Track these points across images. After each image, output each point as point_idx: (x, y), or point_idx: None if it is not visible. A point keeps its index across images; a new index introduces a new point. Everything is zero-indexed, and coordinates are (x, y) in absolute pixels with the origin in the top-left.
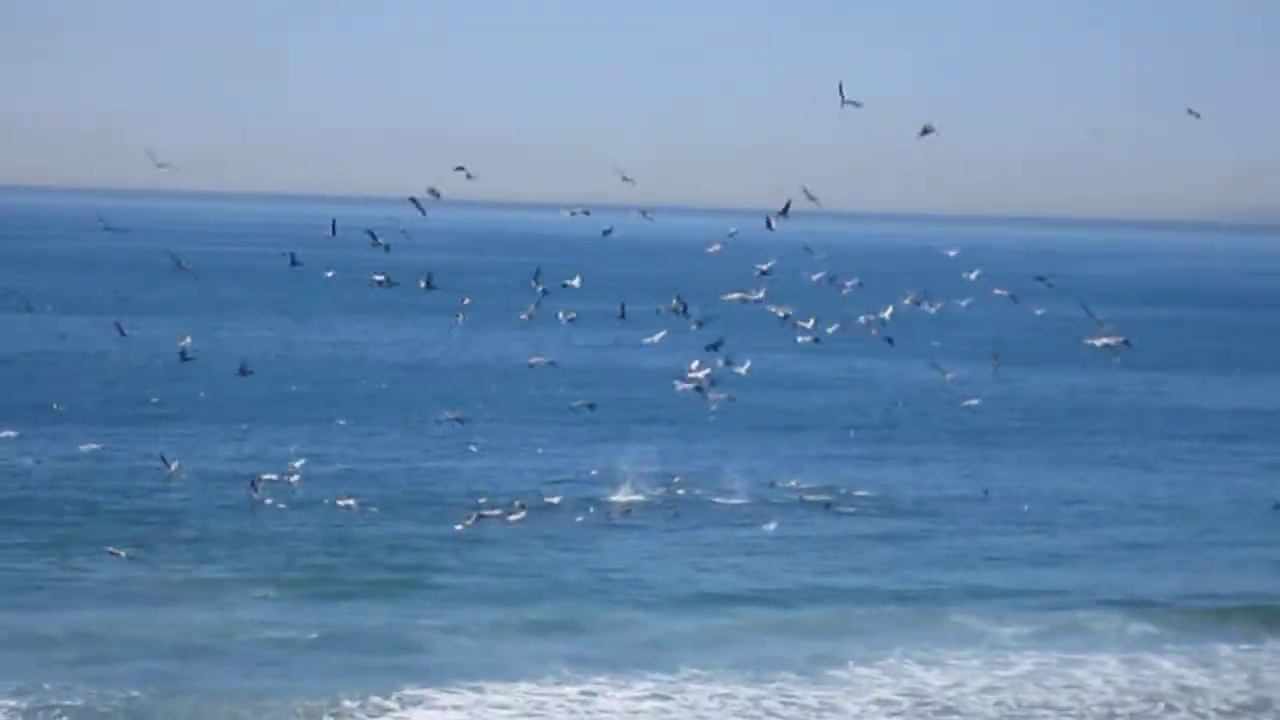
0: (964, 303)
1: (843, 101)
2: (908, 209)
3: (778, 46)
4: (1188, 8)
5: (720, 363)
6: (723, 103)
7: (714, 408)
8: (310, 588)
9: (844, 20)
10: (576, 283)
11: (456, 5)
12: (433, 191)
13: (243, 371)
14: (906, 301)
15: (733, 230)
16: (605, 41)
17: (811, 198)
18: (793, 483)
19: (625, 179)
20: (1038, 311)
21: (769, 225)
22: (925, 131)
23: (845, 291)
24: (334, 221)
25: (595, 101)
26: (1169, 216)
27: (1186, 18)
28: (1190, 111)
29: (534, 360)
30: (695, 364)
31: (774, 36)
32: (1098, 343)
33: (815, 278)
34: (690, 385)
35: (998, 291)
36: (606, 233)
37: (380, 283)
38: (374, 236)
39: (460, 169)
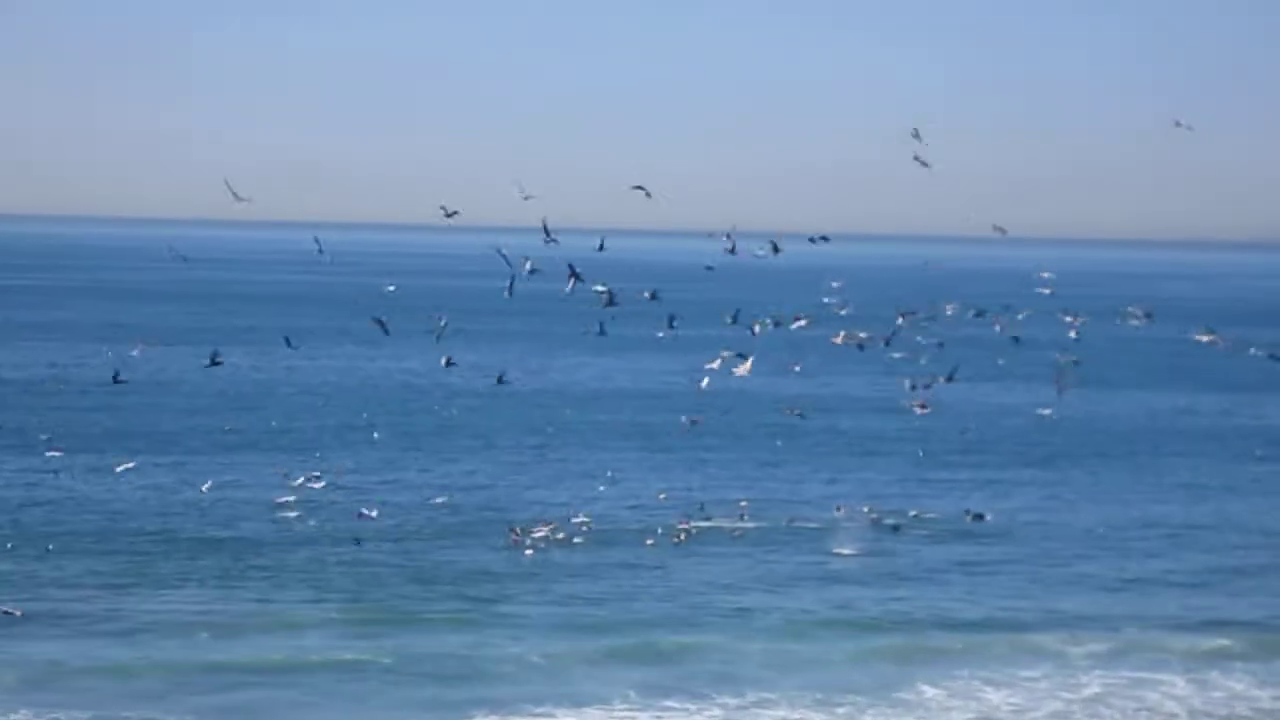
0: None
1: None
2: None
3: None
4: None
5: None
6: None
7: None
8: (384, 615)
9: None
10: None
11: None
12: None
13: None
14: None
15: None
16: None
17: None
18: (864, 507)
19: (526, 197)
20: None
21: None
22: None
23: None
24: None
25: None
26: (1172, 235)
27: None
28: (1178, 124)
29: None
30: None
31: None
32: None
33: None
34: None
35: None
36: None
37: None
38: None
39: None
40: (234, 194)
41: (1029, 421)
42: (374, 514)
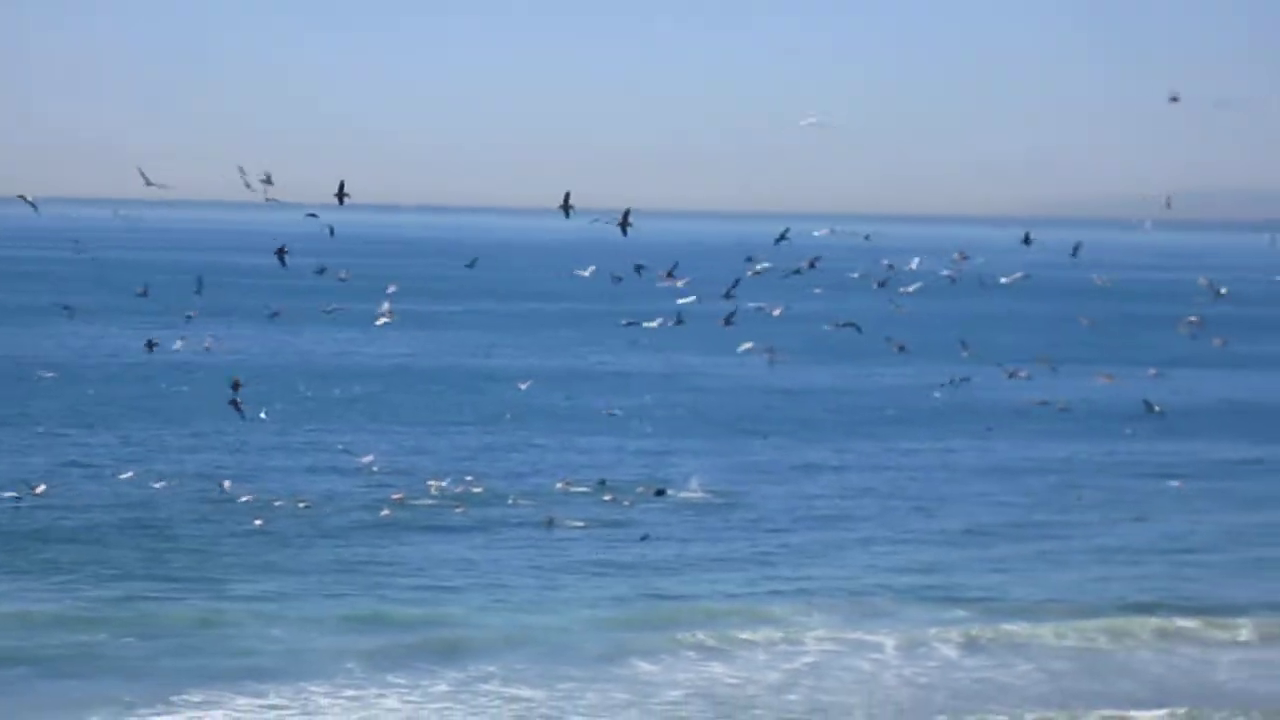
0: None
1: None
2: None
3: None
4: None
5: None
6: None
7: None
8: (116, 583)
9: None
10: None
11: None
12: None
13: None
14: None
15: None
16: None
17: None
18: (592, 479)
19: (264, 182)
20: None
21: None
22: (815, 123)
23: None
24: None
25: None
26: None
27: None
28: (1173, 98)
29: None
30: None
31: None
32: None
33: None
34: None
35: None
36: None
37: None
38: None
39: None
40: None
41: (762, 394)
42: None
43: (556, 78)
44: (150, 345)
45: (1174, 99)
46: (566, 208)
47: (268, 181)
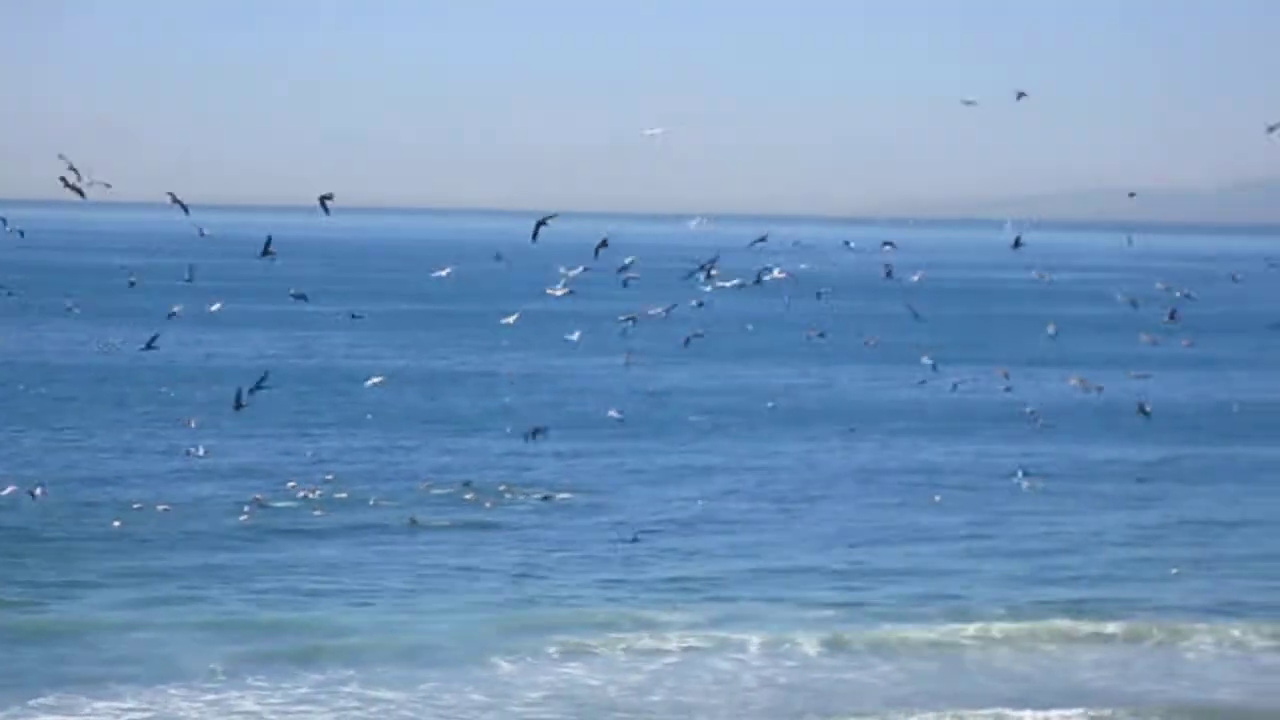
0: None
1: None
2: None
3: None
4: None
5: None
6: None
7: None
8: None
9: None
10: None
11: None
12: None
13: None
14: None
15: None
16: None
17: None
18: (455, 480)
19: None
20: None
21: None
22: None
23: None
24: None
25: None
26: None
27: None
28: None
29: None
30: None
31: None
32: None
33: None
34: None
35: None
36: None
37: None
38: None
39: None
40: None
41: (624, 395)
42: None
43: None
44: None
45: (1021, 95)
46: (325, 205)
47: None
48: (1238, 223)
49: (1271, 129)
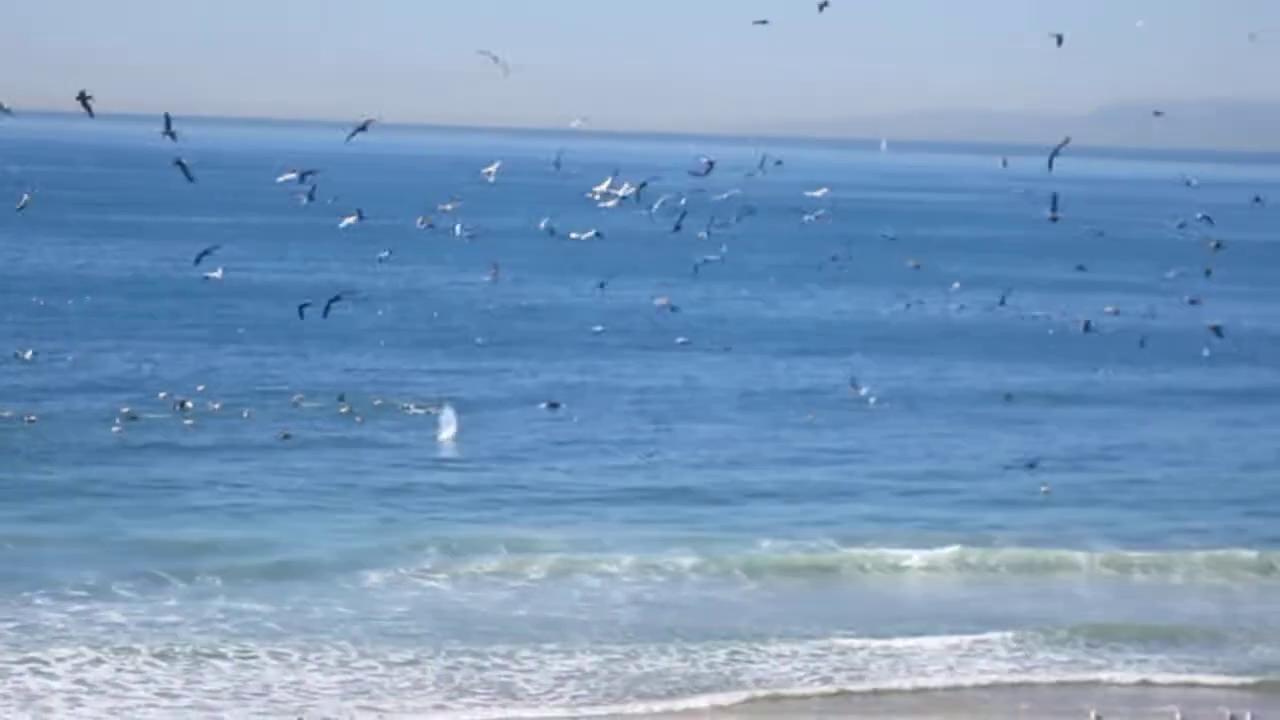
0: None
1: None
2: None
3: None
4: None
5: None
6: None
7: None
8: None
9: None
10: None
11: None
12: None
13: None
14: None
15: None
16: None
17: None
18: (330, 395)
19: None
20: None
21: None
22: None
23: None
24: None
25: None
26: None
27: None
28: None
29: None
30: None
31: None
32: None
33: None
34: None
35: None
36: None
37: None
38: None
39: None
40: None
41: (498, 312)
42: None
43: None
44: None
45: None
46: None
47: None
48: (1110, 145)
49: (1253, 36)
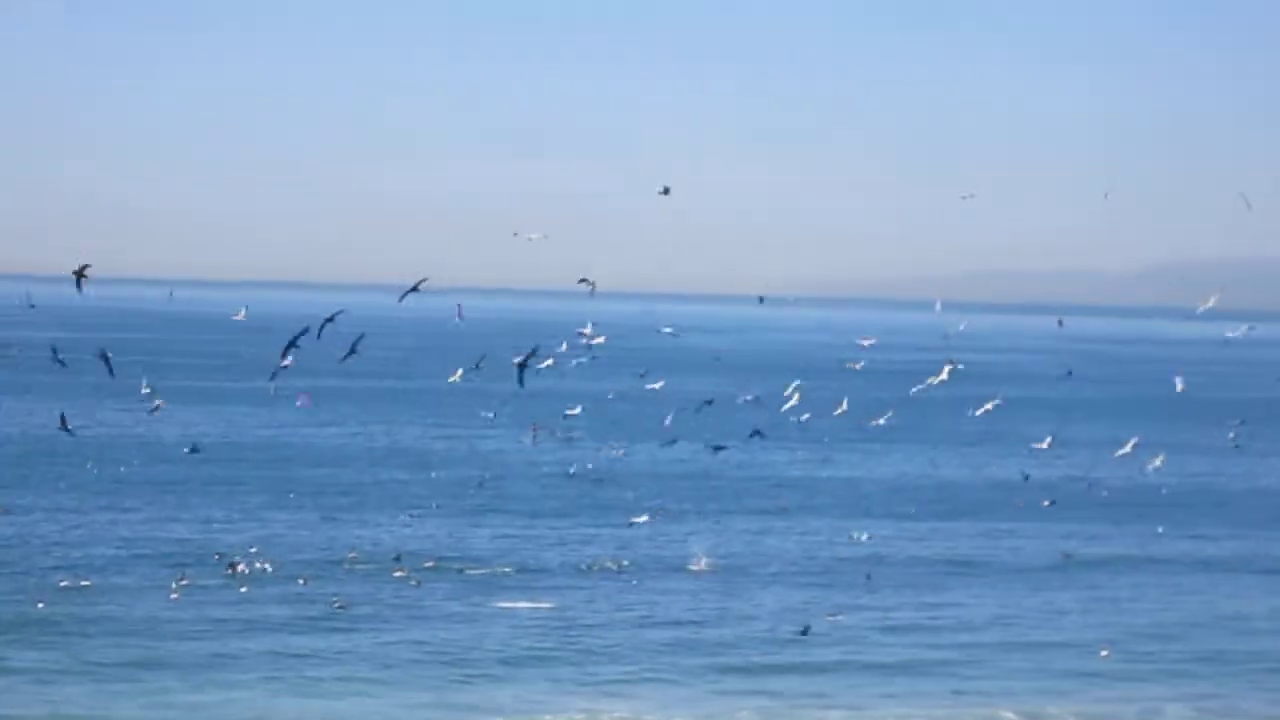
0: None
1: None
2: None
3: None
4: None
5: None
6: None
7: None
8: None
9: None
10: None
11: None
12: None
13: None
14: None
15: None
16: None
17: None
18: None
19: None
20: None
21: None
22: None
23: None
24: None
25: None
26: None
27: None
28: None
29: None
30: None
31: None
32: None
33: None
34: None
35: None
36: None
37: None
38: None
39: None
40: None
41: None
42: None
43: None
44: None
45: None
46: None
47: None
48: (1143, 304)
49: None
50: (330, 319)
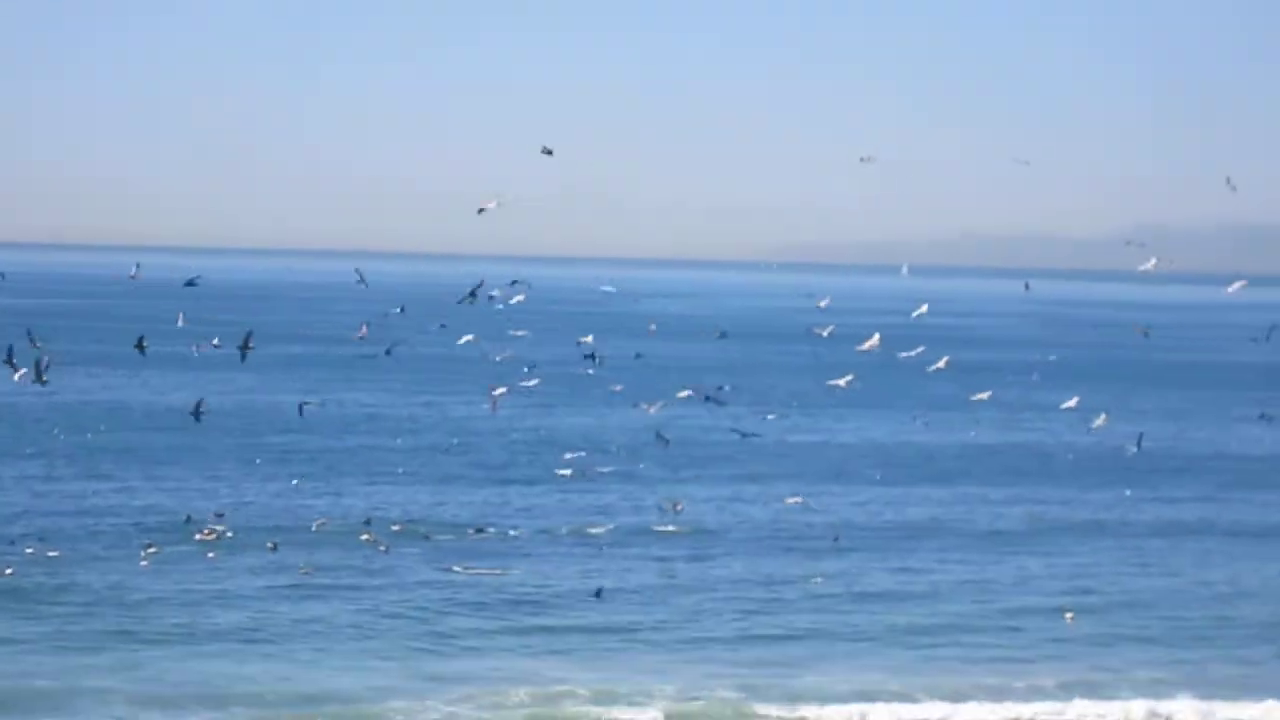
0: None
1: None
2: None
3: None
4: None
5: None
6: None
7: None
8: None
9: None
10: None
11: None
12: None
13: None
14: None
15: None
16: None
17: None
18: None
19: None
20: None
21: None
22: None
23: None
24: None
25: None
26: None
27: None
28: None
29: None
30: None
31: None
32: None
33: None
34: None
35: None
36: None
37: None
38: None
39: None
40: None
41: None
42: None
43: None
44: None
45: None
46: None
47: None
48: (1120, 269)
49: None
50: (191, 282)
